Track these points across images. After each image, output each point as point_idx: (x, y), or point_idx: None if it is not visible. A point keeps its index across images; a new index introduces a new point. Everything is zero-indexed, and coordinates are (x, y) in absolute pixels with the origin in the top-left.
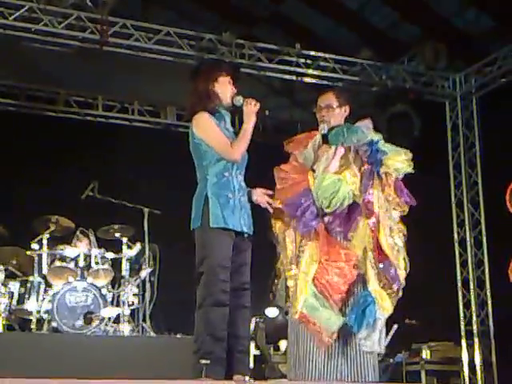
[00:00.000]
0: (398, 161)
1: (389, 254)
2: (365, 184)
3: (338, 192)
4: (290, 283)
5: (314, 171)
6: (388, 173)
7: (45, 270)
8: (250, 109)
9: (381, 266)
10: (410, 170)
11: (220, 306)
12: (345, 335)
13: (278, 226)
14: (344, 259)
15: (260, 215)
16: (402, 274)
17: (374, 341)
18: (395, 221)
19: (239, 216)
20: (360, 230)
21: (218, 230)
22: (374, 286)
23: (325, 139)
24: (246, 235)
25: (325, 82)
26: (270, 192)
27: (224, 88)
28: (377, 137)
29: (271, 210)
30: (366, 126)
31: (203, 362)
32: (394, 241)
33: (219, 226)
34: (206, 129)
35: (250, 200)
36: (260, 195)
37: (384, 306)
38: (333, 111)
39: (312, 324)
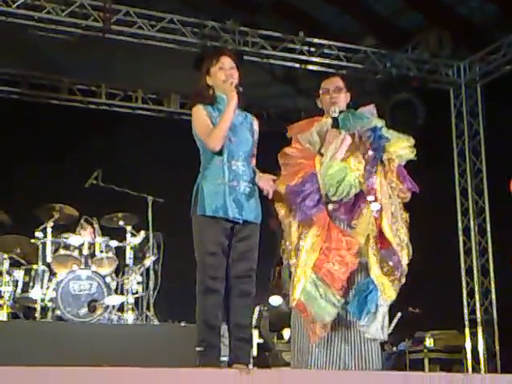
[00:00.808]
0: (401, 147)
1: (391, 241)
2: (368, 170)
3: (344, 180)
4: (292, 271)
5: (321, 155)
6: (391, 159)
7: (49, 259)
8: (228, 88)
9: (383, 252)
10: (412, 156)
11: (210, 293)
12: (347, 323)
13: (282, 212)
14: (346, 247)
15: (263, 202)
16: (405, 261)
17: (376, 328)
18: (398, 207)
19: (232, 203)
20: (364, 217)
21: (205, 217)
22: (376, 273)
23: (334, 123)
24: (242, 222)
25: (329, 70)
26: (274, 177)
27: (215, 78)
28: (380, 123)
29: (270, 197)
30: (369, 111)
31: (198, 349)
32: (396, 227)
33: (205, 213)
34: (194, 121)
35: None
36: (263, 181)
37: (387, 292)
38: (342, 94)
39: (307, 313)
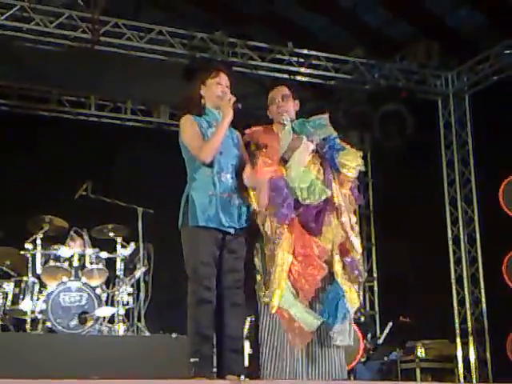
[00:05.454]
0: (356, 158)
1: (354, 247)
2: (328, 179)
3: (316, 184)
4: (270, 277)
5: (284, 161)
6: (349, 168)
7: (39, 270)
8: (225, 104)
9: (347, 259)
10: (363, 168)
11: (204, 304)
12: (317, 331)
13: (266, 221)
14: (317, 254)
15: None
16: (361, 268)
17: (346, 334)
18: (351, 215)
19: (223, 215)
20: (334, 226)
21: (197, 228)
22: (342, 279)
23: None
24: (233, 233)
25: (317, 81)
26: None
27: (210, 90)
28: (335, 133)
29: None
30: (324, 120)
31: (192, 360)
32: (353, 235)
33: (197, 224)
34: (184, 131)
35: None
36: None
37: (352, 299)
38: (289, 102)
39: (290, 320)
